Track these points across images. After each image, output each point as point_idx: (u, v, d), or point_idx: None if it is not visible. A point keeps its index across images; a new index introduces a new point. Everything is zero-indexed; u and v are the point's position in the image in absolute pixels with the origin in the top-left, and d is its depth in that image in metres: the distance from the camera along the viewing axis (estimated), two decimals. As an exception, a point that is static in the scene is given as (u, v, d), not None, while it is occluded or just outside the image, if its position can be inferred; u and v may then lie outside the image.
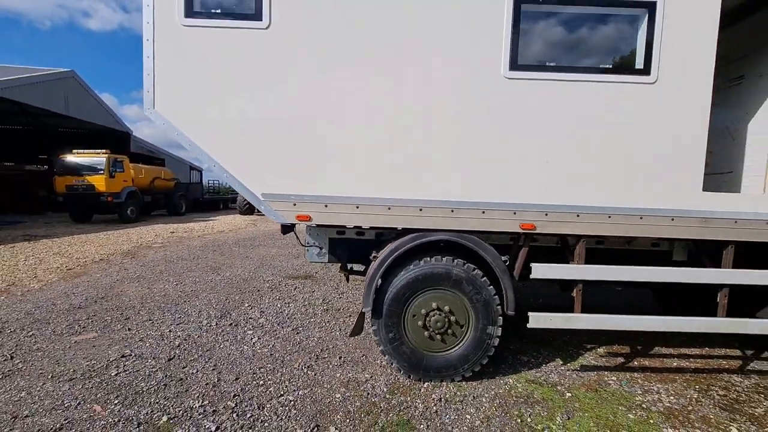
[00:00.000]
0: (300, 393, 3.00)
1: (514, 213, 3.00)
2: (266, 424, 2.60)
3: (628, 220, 2.99)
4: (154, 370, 3.31)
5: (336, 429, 2.58)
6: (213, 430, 2.53)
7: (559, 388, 3.19)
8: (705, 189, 2.97)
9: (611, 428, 2.67)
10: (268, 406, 2.82)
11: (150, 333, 4.11)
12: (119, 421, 2.61)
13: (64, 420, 2.61)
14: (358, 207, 3.04)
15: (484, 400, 2.97)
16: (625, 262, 3.17)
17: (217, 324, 4.40)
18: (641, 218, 2.98)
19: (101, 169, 15.21)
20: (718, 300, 3.11)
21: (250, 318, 4.61)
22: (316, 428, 2.58)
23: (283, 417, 2.69)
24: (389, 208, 3.02)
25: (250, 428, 2.56)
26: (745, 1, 3.45)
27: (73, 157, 15.63)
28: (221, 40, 2.93)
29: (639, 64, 2.90)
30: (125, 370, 3.30)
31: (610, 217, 2.99)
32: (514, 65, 2.90)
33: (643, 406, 2.97)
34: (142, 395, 2.92)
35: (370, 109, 2.94)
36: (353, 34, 2.90)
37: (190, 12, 2.90)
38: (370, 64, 2.92)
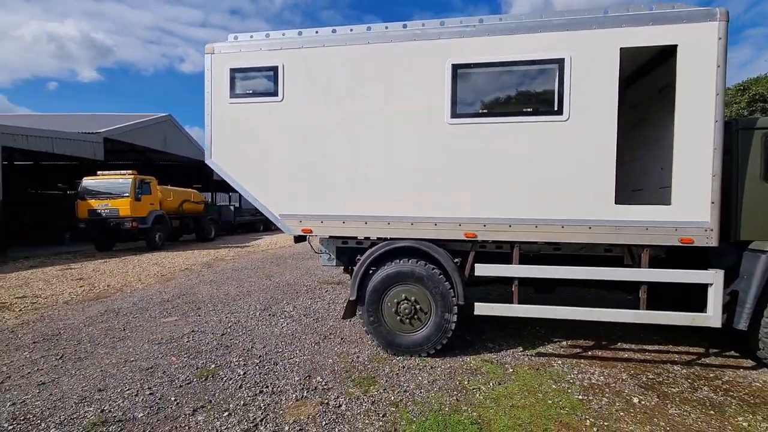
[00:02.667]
0: (304, 357, 4.14)
1: (459, 225, 3.91)
2: (275, 372, 3.77)
3: (552, 229, 3.73)
4: (211, 340, 4.69)
5: (321, 378, 3.66)
6: (241, 373, 3.76)
7: (506, 366, 3.94)
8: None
9: (530, 391, 3.41)
10: (280, 363, 3.99)
11: (212, 318, 5.57)
12: (186, 366, 3.95)
13: (154, 364, 4.02)
14: (344, 222, 4.18)
15: (438, 369, 3.85)
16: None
17: (260, 314, 5.75)
18: (563, 227, 3.71)
19: (126, 193, 13.86)
20: (639, 295, 3.67)
21: (285, 311, 5.91)
22: (308, 377, 3.68)
23: (288, 369, 3.84)
24: (366, 222, 4.12)
25: (265, 374, 3.74)
26: (637, 67, 4.21)
27: (96, 180, 14.35)
28: (252, 111, 4.31)
29: (554, 106, 3.70)
30: (193, 339, 4.72)
31: (537, 226, 3.76)
32: (455, 114, 3.87)
33: (570, 381, 3.62)
34: (201, 353, 4.28)
35: (348, 152, 4.09)
36: (334, 103, 4.11)
37: (233, 94, 4.34)
38: (349, 121, 4.09)
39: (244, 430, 2.84)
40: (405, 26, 4.10)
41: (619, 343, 4.53)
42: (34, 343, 4.63)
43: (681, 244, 3.54)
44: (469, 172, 3.86)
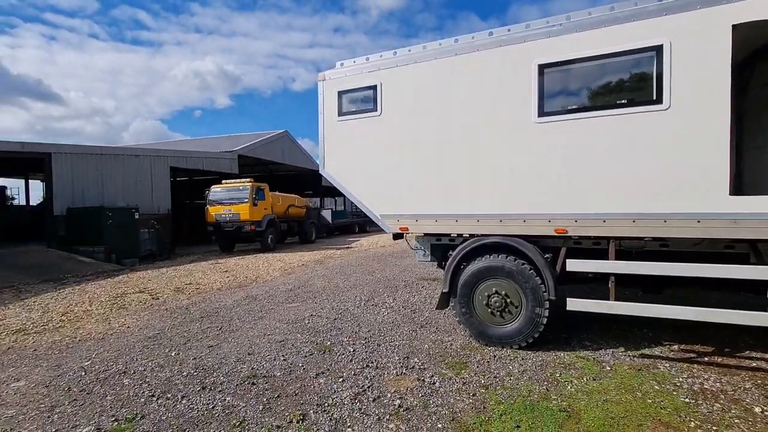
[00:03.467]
0: (403, 342, 4.65)
1: (549, 221, 3.99)
2: (379, 351, 4.36)
3: (653, 224, 3.57)
4: (326, 322, 5.54)
5: (417, 359, 4.12)
6: (351, 350, 4.44)
7: (603, 364, 3.88)
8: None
9: (627, 390, 3.35)
10: (382, 345, 4.58)
11: (326, 305, 6.49)
12: (307, 342, 4.80)
13: (285, 338, 4.96)
14: (436, 220, 4.58)
15: (529, 361, 3.99)
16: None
17: (364, 304, 6.49)
18: (665, 222, 3.53)
19: (245, 199, 15.11)
20: None
21: (386, 302, 6.55)
22: (406, 357, 4.18)
23: (390, 350, 4.39)
24: (456, 220, 4.46)
25: (370, 353, 4.35)
26: None
27: (220, 188, 15.90)
28: (356, 126, 5.01)
29: (652, 95, 3.55)
30: (312, 321, 5.62)
31: (634, 221, 3.64)
32: (542, 113, 3.97)
33: (677, 384, 3.43)
34: (318, 333, 5.11)
35: (439, 156, 4.48)
36: (426, 112, 4.53)
37: (340, 113, 5.09)
38: (440, 128, 4.49)
39: (354, 393, 3.45)
40: (491, 33, 4.33)
41: (747, 351, 4.03)
42: (201, 317, 6.06)
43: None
44: (558, 169, 3.92)
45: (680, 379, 3.51)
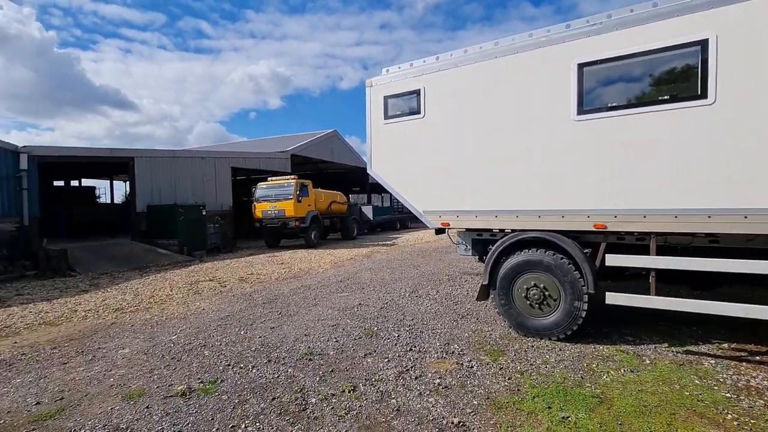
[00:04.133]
0: (444, 330, 4.96)
1: (587, 216, 4.09)
2: (421, 338, 4.71)
3: (695, 219, 3.57)
4: (373, 311, 5.98)
5: (457, 346, 4.41)
6: (396, 336, 4.83)
7: (643, 357, 3.93)
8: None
9: (665, 382, 3.42)
10: (425, 332, 4.92)
11: (373, 296, 6.95)
12: (356, 326, 5.26)
13: (337, 323, 5.47)
14: (476, 216, 4.82)
15: (566, 352, 4.13)
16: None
17: (408, 295, 6.86)
18: (709, 217, 3.51)
19: (290, 195, 15.40)
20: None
21: (429, 294, 6.87)
22: (446, 344, 4.49)
23: (431, 337, 4.73)
24: (496, 216, 4.67)
25: (414, 338, 4.71)
26: None
27: (266, 185, 16.34)
28: (401, 128, 5.36)
29: (696, 90, 3.54)
30: (360, 309, 6.10)
31: (676, 217, 3.66)
32: (581, 111, 4.07)
33: (720, 380, 3.43)
34: (366, 319, 5.56)
35: (479, 154, 4.71)
36: (467, 113, 4.78)
37: (386, 116, 5.46)
38: (480, 128, 4.71)
39: (398, 371, 3.83)
40: (531, 35, 4.47)
41: (807, 353, 3.86)
42: (263, 303, 6.78)
43: None
44: (597, 166, 4.01)
45: (724, 376, 3.50)
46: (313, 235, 16.02)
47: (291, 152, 22.68)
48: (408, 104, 5.32)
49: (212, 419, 3.05)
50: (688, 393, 3.23)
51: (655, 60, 3.75)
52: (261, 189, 16.36)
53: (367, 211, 23.07)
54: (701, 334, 4.48)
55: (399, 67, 5.44)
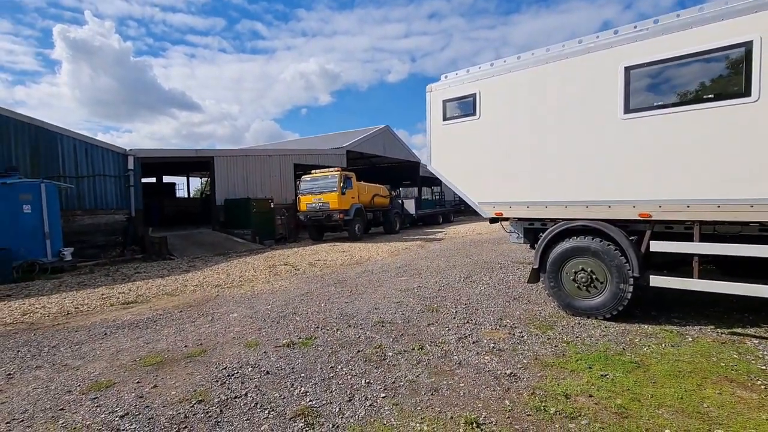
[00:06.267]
0: (497, 308, 5.57)
1: (633, 206, 4.49)
2: (477, 313, 5.37)
3: (738, 209, 3.87)
4: (431, 292, 6.72)
5: (509, 321, 5.02)
6: (454, 311, 5.53)
7: (687, 336, 4.29)
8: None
9: (704, 355, 3.80)
10: (479, 309, 5.57)
11: (430, 280, 7.68)
12: (418, 304, 6.03)
13: (401, 300, 6.27)
14: (528, 207, 5.36)
15: (611, 329, 4.58)
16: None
17: (463, 280, 7.51)
18: (752, 206, 3.80)
19: (334, 188, 15.28)
20: None
21: (482, 279, 7.46)
22: (500, 319, 5.11)
23: (486, 313, 5.37)
24: (546, 207, 5.17)
25: (470, 314, 5.38)
26: None
27: (311, 177, 16.22)
28: (458, 128, 6.00)
29: (741, 88, 3.82)
30: (420, 291, 6.86)
31: (719, 206, 3.97)
32: (627, 110, 4.46)
33: (759, 356, 3.74)
34: (426, 298, 6.31)
35: (531, 150, 5.23)
36: (520, 114, 5.30)
37: (445, 118, 6.13)
38: (532, 127, 5.22)
39: (458, 337, 4.54)
40: (580, 41, 4.90)
41: None
42: (335, 283, 7.78)
43: None
44: (642, 160, 4.39)
45: (765, 353, 3.80)
46: (357, 228, 15.93)
47: (346, 148, 23.91)
48: (465, 107, 5.93)
49: (315, 362, 3.99)
50: (723, 364, 3.61)
51: (700, 61, 4.05)
52: (305, 182, 16.38)
53: (409, 205, 22.43)
54: (752, 319, 4.69)
55: (456, 74, 6.05)
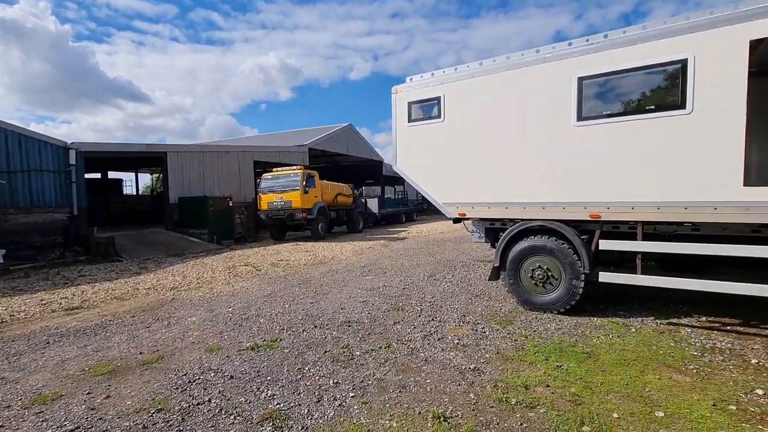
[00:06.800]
0: (460, 305, 5.76)
1: (584, 207, 4.81)
2: (441, 311, 5.51)
3: (675, 210, 4.27)
4: (396, 291, 6.81)
5: (472, 317, 5.21)
6: (419, 309, 5.64)
7: (630, 327, 4.67)
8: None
9: (645, 344, 4.16)
10: (444, 307, 5.73)
11: (395, 279, 7.78)
12: (384, 303, 6.09)
13: (366, 300, 6.31)
14: (489, 207, 5.58)
15: (565, 322, 4.89)
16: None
17: (427, 278, 7.67)
18: (686, 208, 4.21)
19: (297, 186, 15.02)
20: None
21: (446, 278, 7.67)
22: (462, 316, 5.29)
23: (450, 311, 5.53)
24: (506, 207, 5.42)
25: (435, 312, 5.52)
26: None
27: (272, 175, 15.91)
28: (423, 130, 6.11)
29: (677, 101, 4.21)
30: (385, 290, 6.93)
31: (659, 208, 4.36)
32: (580, 118, 4.77)
33: (692, 343, 4.15)
34: (392, 297, 6.39)
35: (492, 154, 5.45)
36: (482, 118, 5.50)
37: (410, 120, 6.22)
38: (493, 131, 5.44)
39: (424, 334, 4.65)
40: (538, 51, 5.16)
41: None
42: (299, 284, 7.67)
43: (825, 224, 3.62)
44: (594, 164, 4.71)
45: (696, 340, 4.22)
46: (320, 228, 15.78)
47: (309, 146, 23.56)
48: (429, 109, 6.06)
49: (281, 364, 3.92)
50: (662, 352, 3.97)
51: (643, 75, 4.43)
52: (266, 180, 16.03)
53: (372, 204, 22.44)
54: (686, 310, 5.19)
55: (421, 76, 6.17)
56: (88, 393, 3.45)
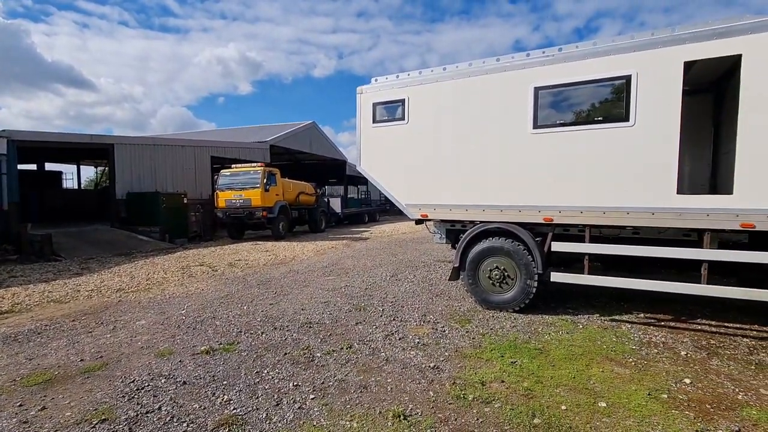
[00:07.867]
0: (421, 305, 5.86)
1: (539, 211, 5.07)
2: (402, 311, 5.58)
3: (618, 214, 4.61)
4: (359, 291, 6.80)
5: (432, 316, 5.32)
6: (380, 310, 5.67)
7: (578, 324, 4.98)
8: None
9: (590, 340, 4.45)
10: (405, 306, 5.80)
11: (357, 279, 7.77)
12: (346, 303, 6.07)
13: (328, 300, 6.25)
14: (450, 209, 5.72)
15: (519, 320, 5.12)
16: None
17: (389, 278, 7.73)
18: (627, 213, 4.55)
19: (257, 184, 14.65)
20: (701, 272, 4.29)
21: (407, 278, 7.77)
22: (423, 315, 5.38)
23: (411, 310, 5.61)
24: (466, 210, 5.58)
25: (396, 311, 5.58)
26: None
27: (230, 172, 15.52)
28: (387, 131, 6.16)
29: (622, 114, 4.54)
30: (347, 290, 6.90)
31: (604, 213, 4.68)
32: (536, 125, 5.01)
33: (631, 338, 4.50)
34: (354, 297, 6.38)
35: (453, 157, 5.59)
36: (444, 122, 5.63)
37: (374, 120, 6.24)
38: (454, 135, 5.58)
39: (385, 334, 4.68)
40: (498, 59, 5.37)
41: (699, 319, 5.03)
42: (258, 284, 7.45)
43: (743, 229, 4.06)
44: (547, 171, 4.98)
45: (635, 335, 4.58)
46: (281, 227, 15.43)
47: (270, 143, 22.96)
48: (394, 111, 6.12)
49: (238, 368, 3.80)
50: (605, 346, 4.27)
51: (592, 88, 4.74)
52: (224, 176, 15.54)
53: (335, 204, 22.31)
54: (626, 307, 5.60)
55: (386, 78, 6.21)
56: (20, 405, 3.16)
